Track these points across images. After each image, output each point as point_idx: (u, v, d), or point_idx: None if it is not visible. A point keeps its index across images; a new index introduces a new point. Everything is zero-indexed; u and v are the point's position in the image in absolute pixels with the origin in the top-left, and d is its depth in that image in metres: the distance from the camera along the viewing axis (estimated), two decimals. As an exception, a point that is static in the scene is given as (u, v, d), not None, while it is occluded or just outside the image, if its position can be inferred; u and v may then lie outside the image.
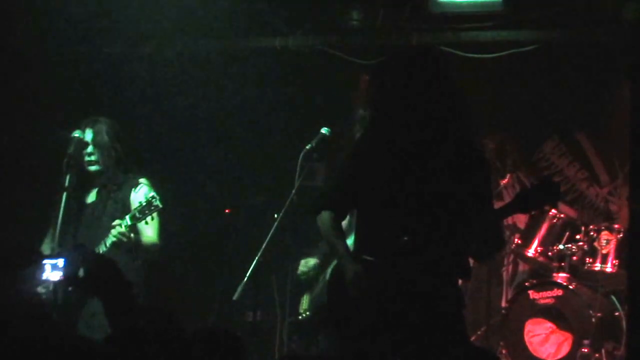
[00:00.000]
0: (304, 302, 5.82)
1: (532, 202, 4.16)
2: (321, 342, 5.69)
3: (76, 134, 5.61)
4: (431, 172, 4.26)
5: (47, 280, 5.00)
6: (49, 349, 2.99)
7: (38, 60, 7.25)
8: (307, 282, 5.74)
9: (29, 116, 7.19)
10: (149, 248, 5.59)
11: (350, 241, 4.60)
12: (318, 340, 5.66)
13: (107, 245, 5.34)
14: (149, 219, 5.34)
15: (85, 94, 7.22)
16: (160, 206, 5.31)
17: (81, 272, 3.66)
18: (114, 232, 5.31)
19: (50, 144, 6.07)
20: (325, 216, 4.44)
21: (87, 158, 5.62)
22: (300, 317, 5.79)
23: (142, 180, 5.66)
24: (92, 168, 5.65)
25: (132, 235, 5.41)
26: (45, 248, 5.60)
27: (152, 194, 5.36)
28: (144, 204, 5.32)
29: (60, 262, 4.80)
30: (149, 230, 5.54)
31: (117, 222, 5.34)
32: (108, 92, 7.28)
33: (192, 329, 3.49)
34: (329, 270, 5.67)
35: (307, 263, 5.78)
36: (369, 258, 4.26)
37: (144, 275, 5.62)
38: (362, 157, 4.43)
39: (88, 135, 5.63)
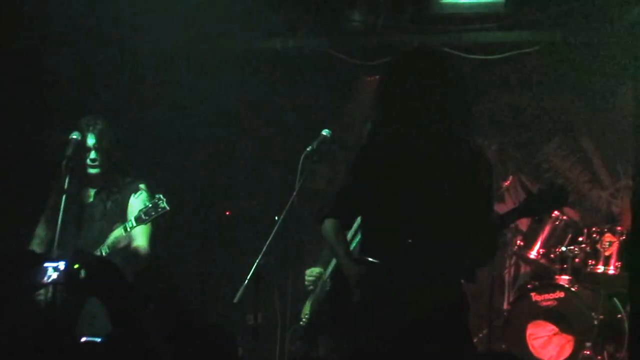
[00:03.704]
0: (306, 307, 5.80)
1: (539, 207, 4.15)
2: (322, 346, 5.66)
3: (74, 135, 5.57)
4: (434, 174, 4.24)
5: (48, 283, 5.00)
6: (50, 350, 2.98)
7: (37, 60, 7.23)
8: (311, 289, 5.73)
9: (28, 117, 7.17)
10: (139, 254, 5.54)
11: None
12: (319, 345, 5.63)
13: (104, 252, 5.32)
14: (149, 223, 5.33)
15: (85, 95, 7.19)
16: (167, 208, 5.28)
17: (82, 274, 3.64)
18: (112, 235, 5.30)
19: (49, 145, 6.06)
20: (328, 224, 4.42)
21: (89, 162, 5.59)
22: (301, 323, 5.77)
23: (142, 185, 5.64)
24: (93, 171, 5.63)
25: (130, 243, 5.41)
26: (37, 245, 5.57)
27: (159, 195, 5.33)
28: (150, 205, 5.29)
29: (62, 264, 4.79)
30: (141, 237, 5.51)
31: (116, 226, 5.33)
32: (108, 93, 7.26)
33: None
34: (327, 275, 5.67)
35: (312, 272, 5.76)
36: (372, 260, 4.24)
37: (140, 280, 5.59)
38: (365, 161, 4.41)
39: (90, 139, 5.59)
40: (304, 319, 5.71)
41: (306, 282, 5.79)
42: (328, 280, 5.70)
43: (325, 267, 5.80)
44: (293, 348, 5.92)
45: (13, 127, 7.12)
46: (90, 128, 5.61)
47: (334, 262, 5.68)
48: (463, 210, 4.19)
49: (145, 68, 7.38)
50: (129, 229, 5.36)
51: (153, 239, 5.61)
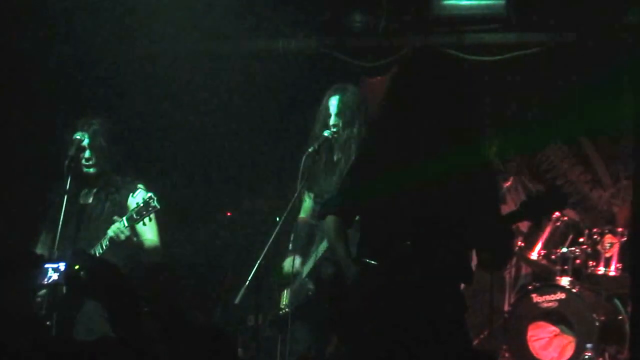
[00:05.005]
0: (284, 297, 5.79)
1: (539, 210, 4.12)
2: (298, 336, 5.68)
3: (77, 135, 5.61)
4: (435, 176, 4.24)
5: (48, 284, 5.02)
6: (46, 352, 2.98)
7: (38, 60, 7.24)
8: (289, 279, 5.71)
9: (28, 117, 7.18)
10: (151, 250, 5.58)
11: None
12: (295, 335, 5.65)
13: (104, 245, 5.33)
14: (146, 220, 5.33)
15: (85, 95, 7.20)
16: (158, 207, 5.32)
17: (82, 275, 3.64)
18: (113, 227, 5.30)
19: (50, 146, 6.07)
20: (329, 221, 4.44)
21: (84, 161, 5.61)
22: (280, 312, 5.77)
23: (140, 185, 5.65)
24: (89, 170, 5.64)
25: (134, 238, 5.40)
26: (41, 250, 5.58)
27: (150, 194, 5.36)
28: (141, 204, 5.32)
29: (62, 265, 4.80)
30: (149, 233, 5.54)
31: (115, 218, 5.34)
32: (108, 94, 7.26)
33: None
34: (305, 274, 5.67)
35: (289, 264, 5.74)
36: (371, 262, 4.24)
37: (145, 278, 5.60)
38: (366, 161, 4.41)
39: (85, 138, 5.61)
40: (283, 309, 5.71)
41: (284, 274, 5.78)
42: (307, 279, 5.70)
43: (301, 258, 5.76)
44: (269, 334, 5.92)
45: (14, 128, 7.14)
46: (86, 127, 5.64)
47: (311, 261, 5.69)
48: (464, 210, 4.19)
49: (147, 68, 7.39)
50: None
51: (160, 233, 5.63)
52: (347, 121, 5.69)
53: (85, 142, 5.60)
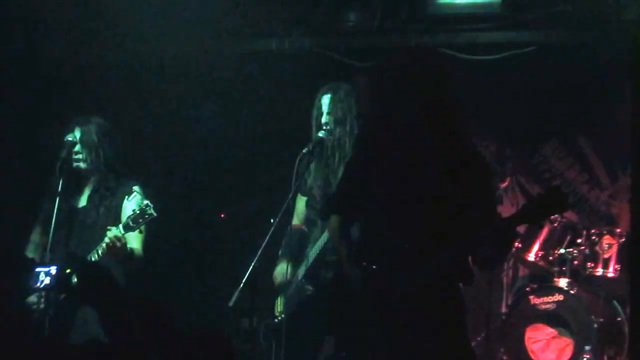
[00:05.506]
0: (278, 304, 5.74)
1: (540, 212, 4.06)
2: (295, 339, 5.62)
3: (69, 137, 5.56)
4: (431, 176, 4.20)
5: (40, 288, 4.94)
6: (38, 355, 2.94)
7: (36, 62, 7.20)
8: (284, 286, 5.65)
9: (24, 118, 7.16)
10: (133, 257, 5.48)
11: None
12: (294, 342, 5.59)
13: (100, 252, 5.25)
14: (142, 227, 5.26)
15: (82, 96, 7.16)
16: (155, 215, 5.23)
17: (74, 279, 3.59)
18: (109, 234, 5.21)
19: (43, 147, 6.03)
20: (332, 221, 4.44)
21: (74, 156, 5.54)
22: (275, 320, 5.71)
23: (135, 188, 5.57)
24: (80, 166, 5.57)
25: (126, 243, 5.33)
26: (32, 250, 5.51)
27: (147, 202, 5.27)
28: (137, 212, 5.23)
29: (53, 269, 4.73)
30: (134, 241, 5.44)
31: (110, 227, 5.26)
32: (104, 95, 7.23)
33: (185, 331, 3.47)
34: (302, 275, 5.62)
35: (282, 270, 5.66)
36: (370, 264, 4.20)
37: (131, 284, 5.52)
38: (359, 161, 4.38)
39: (77, 134, 5.56)
40: (278, 317, 5.65)
41: (278, 282, 5.71)
42: (304, 280, 5.64)
43: (293, 263, 5.68)
44: (266, 343, 5.85)
45: (11, 128, 7.11)
46: (81, 122, 5.60)
47: (304, 264, 5.63)
48: (462, 210, 4.15)
49: (142, 69, 7.36)
50: None
51: (145, 242, 5.55)
52: (338, 120, 5.65)
53: (77, 137, 5.55)
